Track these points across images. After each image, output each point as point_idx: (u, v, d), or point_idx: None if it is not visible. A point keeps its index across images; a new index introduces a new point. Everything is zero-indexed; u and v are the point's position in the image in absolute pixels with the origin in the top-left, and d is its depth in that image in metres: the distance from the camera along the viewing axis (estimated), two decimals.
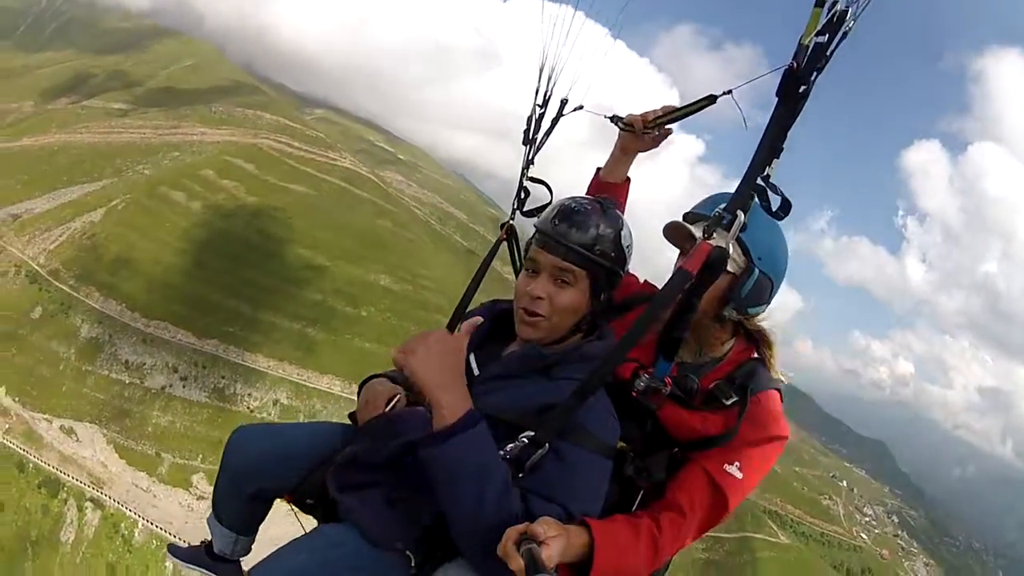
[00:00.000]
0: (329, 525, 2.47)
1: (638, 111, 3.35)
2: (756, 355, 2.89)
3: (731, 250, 2.23)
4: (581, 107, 3.60)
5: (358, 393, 2.93)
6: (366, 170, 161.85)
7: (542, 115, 3.65)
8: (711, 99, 2.78)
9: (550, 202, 3.14)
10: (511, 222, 3.65)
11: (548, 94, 3.59)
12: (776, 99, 2.08)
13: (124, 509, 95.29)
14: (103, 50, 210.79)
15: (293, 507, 2.91)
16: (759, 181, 2.17)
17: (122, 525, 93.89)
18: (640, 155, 3.54)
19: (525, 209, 3.60)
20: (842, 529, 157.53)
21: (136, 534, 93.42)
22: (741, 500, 2.62)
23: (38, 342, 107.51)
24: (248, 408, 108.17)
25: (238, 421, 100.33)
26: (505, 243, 3.70)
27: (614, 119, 3.40)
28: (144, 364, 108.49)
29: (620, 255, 2.54)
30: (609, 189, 3.43)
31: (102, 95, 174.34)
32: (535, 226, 2.63)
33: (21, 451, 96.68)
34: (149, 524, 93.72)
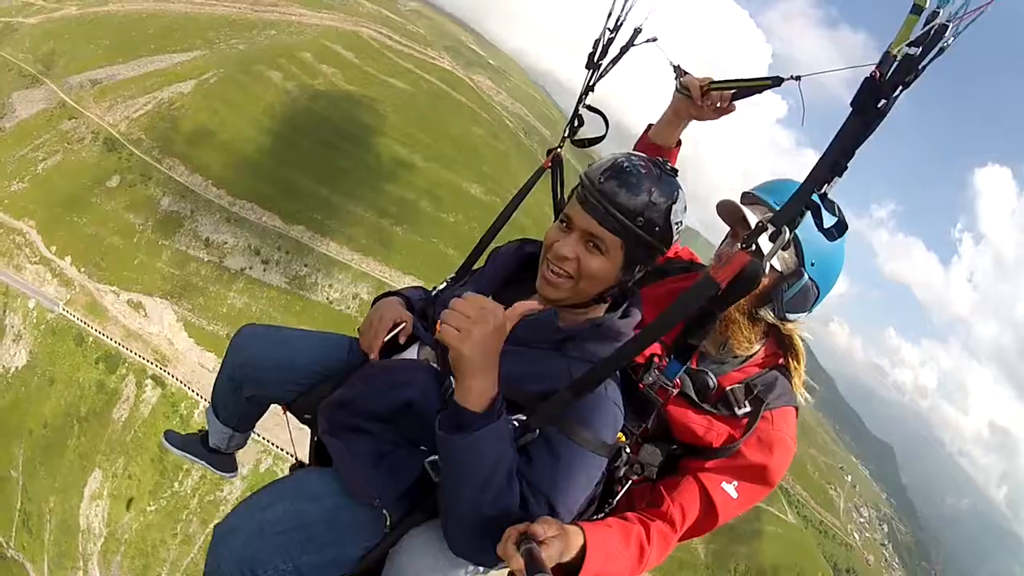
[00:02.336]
0: (312, 473, 2.60)
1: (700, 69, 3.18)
2: (782, 362, 2.88)
3: (775, 260, 2.20)
4: (655, 39, 3.31)
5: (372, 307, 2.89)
6: (462, 73, 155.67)
7: (611, 40, 3.36)
8: (776, 80, 2.71)
9: (603, 136, 3.36)
10: (558, 150, 3.54)
11: (621, 19, 3.30)
12: (850, 109, 1.84)
13: (187, 388, 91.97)
14: None
15: (288, 416, 3.01)
16: (814, 197, 1.97)
17: (182, 405, 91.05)
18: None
19: (576, 138, 3.51)
20: (839, 523, 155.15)
21: (196, 415, 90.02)
22: (731, 519, 2.69)
23: (113, 212, 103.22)
24: (327, 299, 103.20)
25: (316, 311, 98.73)
26: (549, 172, 3.57)
27: (678, 71, 3.19)
28: (225, 243, 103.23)
29: (666, 230, 2.35)
30: (656, 152, 3.23)
31: None
32: (580, 176, 2.46)
33: (81, 324, 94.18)
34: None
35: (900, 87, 1.75)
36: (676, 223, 2.32)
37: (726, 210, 2.81)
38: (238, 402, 3.11)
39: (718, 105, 2.96)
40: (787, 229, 1.93)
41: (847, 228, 2.15)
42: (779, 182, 2.79)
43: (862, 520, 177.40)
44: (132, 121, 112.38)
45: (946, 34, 1.67)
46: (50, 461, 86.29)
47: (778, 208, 2.34)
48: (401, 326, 2.61)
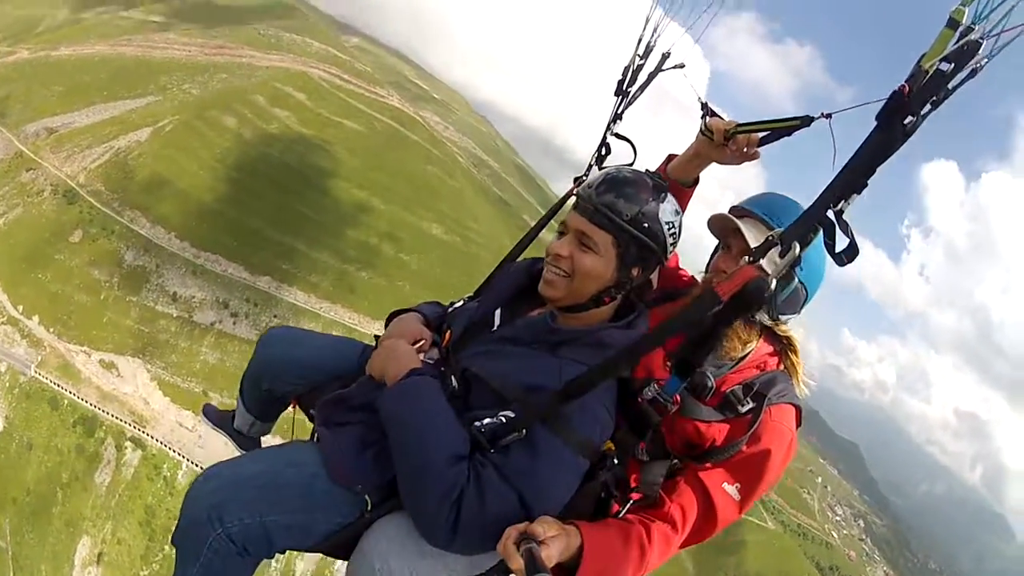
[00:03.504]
0: (300, 443, 2.71)
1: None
2: (781, 364, 2.82)
3: (767, 265, 1.97)
4: (682, 65, 3.29)
5: (386, 324, 3.02)
6: (412, 111, 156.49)
7: (640, 67, 3.37)
8: (806, 120, 2.50)
9: (632, 163, 3.11)
10: (584, 178, 3.31)
11: (651, 45, 3.31)
12: (875, 124, 1.76)
13: (168, 449, 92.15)
14: None
15: (297, 412, 3.14)
16: (830, 214, 1.89)
17: (164, 466, 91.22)
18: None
19: (604, 166, 3.31)
20: (816, 524, 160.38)
21: (179, 476, 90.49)
22: (732, 520, 2.61)
23: (77, 268, 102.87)
24: None
25: None
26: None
27: (704, 108, 3.03)
28: (193, 297, 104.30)
29: (657, 232, 2.44)
30: (672, 187, 2.86)
31: (140, 6, 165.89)
32: (577, 190, 2.63)
33: (55, 386, 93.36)
34: (194, 465, 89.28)
35: (929, 106, 1.71)
36: (667, 223, 2.44)
37: (717, 223, 2.87)
38: (257, 393, 3.27)
39: (744, 151, 2.90)
40: (798, 246, 1.89)
41: (858, 253, 1.98)
42: (768, 195, 2.88)
43: (838, 519, 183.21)
44: (90, 172, 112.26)
45: (979, 52, 1.63)
46: (38, 528, 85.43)
47: (765, 219, 2.70)
48: (420, 342, 2.76)
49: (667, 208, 2.44)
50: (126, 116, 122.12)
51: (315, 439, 2.72)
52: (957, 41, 1.65)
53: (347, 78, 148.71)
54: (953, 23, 1.66)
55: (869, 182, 1.84)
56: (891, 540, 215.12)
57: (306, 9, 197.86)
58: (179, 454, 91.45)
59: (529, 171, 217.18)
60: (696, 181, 3.14)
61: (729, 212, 2.87)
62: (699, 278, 3.12)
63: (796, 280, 2.63)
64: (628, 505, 2.46)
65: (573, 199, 2.57)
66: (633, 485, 2.51)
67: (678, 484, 2.53)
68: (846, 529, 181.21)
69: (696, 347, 2.13)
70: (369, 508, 2.40)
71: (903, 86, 1.71)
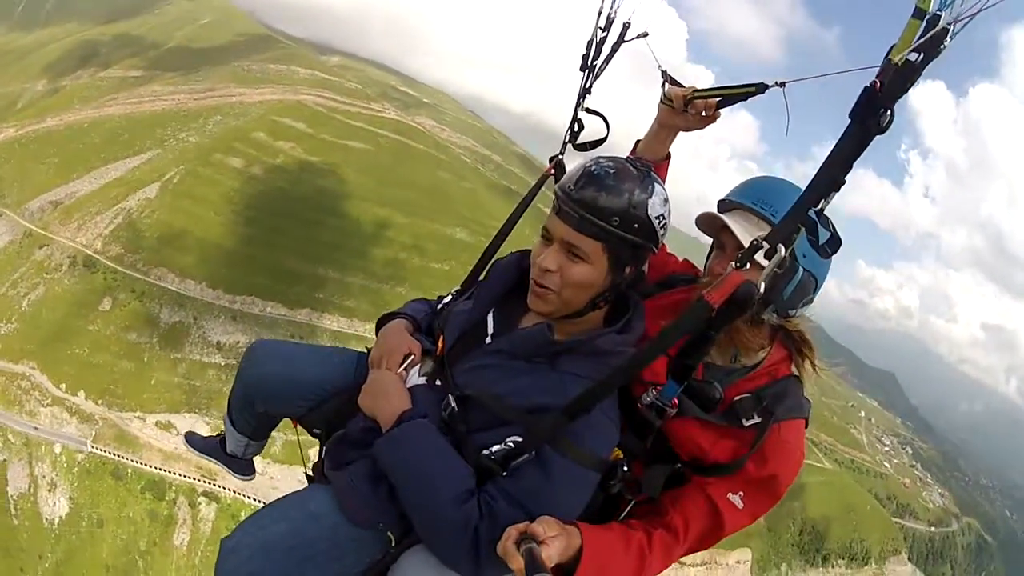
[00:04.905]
0: (317, 491, 2.59)
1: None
2: (792, 366, 2.73)
3: (767, 263, 1.95)
4: (646, 34, 3.24)
5: (376, 328, 2.91)
6: (409, 119, 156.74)
7: (603, 39, 3.27)
8: (761, 88, 2.62)
9: (605, 138, 3.22)
10: (560, 157, 3.32)
11: (612, 16, 3.22)
12: (849, 120, 1.75)
13: (243, 497, 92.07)
14: (108, 18, 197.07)
15: (299, 430, 3.04)
16: (811, 213, 1.91)
17: (242, 514, 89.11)
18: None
19: (578, 143, 3.35)
20: (868, 457, 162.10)
21: None
22: (736, 530, 2.60)
23: (113, 335, 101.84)
24: None
25: None
26: (552, 180, 3.24)
27: (665, 76, 3.11)
28: (238, 343, 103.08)
29: (648, 227, 2.31)
30: None
31: (117, 64, 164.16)
32: (555, 189, 2.46)
33: (115, 457, 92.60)
34: None
35: (901, 96, 1.71)
36: (656, 216, 2.31)
37: (705, 222, 2.79)
38: (250, 414, 3.20)
39: (703, 114, 2.96)
40: (783, 248, 1.89)
41: (841, 244, 2.19)
42: (754, 181, 2.79)
43: (887, 449, 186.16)
44: (105, 238, 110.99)
45: (947, 36, 1.62)
46: None
47: (755, 207, 2.57)
48: (411, 358, 2.65)
49: (656, 201, 2.29)
50: (129, 176, 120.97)
51: (319, 465, 2.75)
52: (924, 31, 1.62)
53: (340, 99, 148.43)
54: (919, 12, 1.64)
55: (847, 178, 1.82)
56: (940, 462, 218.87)
57: (282, 37, 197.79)
58: (255, 499, 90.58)
59: (529, 158, 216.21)
60: (668, 156, 3.19)
61: (717, 207, 2.77)
62: (699, 273, 3.02)
63: (801, 271, 2.49)
64: (631, 506, 2.50)
65: (554, 202, 2.36)
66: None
67: (683, 494, 2.52)
68: (896, 458, 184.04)
69: (692, 351, 2.13)
70: (393, 544, 2.37)
71: (874, 82, 1.69)
